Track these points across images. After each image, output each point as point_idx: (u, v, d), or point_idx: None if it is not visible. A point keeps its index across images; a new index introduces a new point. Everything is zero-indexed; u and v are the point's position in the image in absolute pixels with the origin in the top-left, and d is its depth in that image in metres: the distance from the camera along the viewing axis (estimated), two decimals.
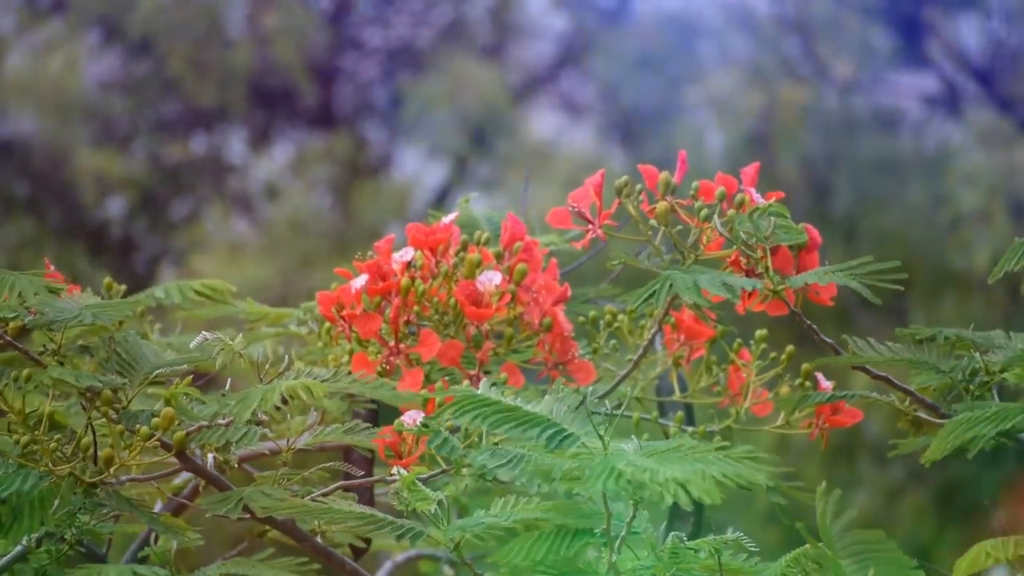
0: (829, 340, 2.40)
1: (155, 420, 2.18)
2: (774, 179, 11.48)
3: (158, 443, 2.19)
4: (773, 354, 2.59)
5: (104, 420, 2.21)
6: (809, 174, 11.84)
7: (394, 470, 2.22)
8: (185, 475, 2.49)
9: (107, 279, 2.56)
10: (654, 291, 2.24)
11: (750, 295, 2.33)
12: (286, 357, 2.36)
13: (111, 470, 2.18)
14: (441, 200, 12.26)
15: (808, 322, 2.36)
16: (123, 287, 2.58)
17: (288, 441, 2.31)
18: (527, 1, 13.45)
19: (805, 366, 2.53)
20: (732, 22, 12.76)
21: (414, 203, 12.59)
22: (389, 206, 12.25)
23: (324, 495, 2.25)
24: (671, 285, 2.24)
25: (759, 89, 12.29)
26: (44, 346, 2.29)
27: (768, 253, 2.32)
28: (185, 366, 2.31)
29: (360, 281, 2.39)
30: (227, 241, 12.40)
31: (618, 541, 2.14)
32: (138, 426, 2.19)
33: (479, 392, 2.09)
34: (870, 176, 11.88)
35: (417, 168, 13.19)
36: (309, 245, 11.90)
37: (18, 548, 2.27)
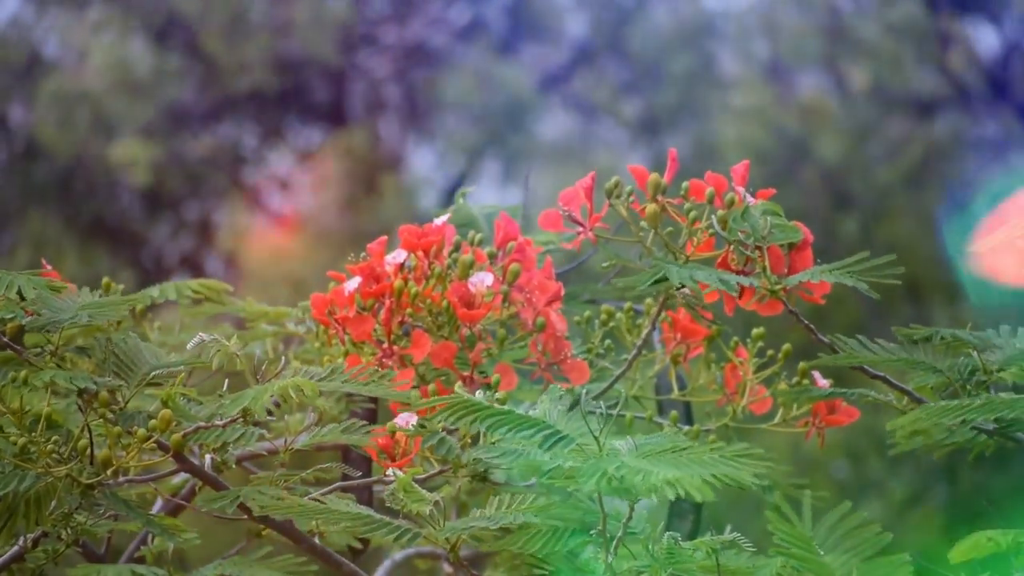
0: (826, 339, 2.40)
1: (153, 422, 2.18)
2: (796, 184, 11.47)
3: (155, 444, 2.20)
4: (771, 352, 2.59)
5: (101, 421, 2.22)
6: (829, 180, 11.82)
7: (390, 471, 2.22)
8: (183, 475, 2.49)
9: (105, 279, 2.57)
10: (647, 279, 2.24)
11: (742, 295, 2.33)
12: (283, 357, 2.36)
13: (108, 471, 2.18)
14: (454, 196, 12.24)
15: (806, 321, 2.36)
16: (121, 286, 2.59)
17: (286, 441, 2.32)
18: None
19: (802, 365, 2.53)
20: (754, 26, 12.74)
21: (428, 200, 12.59)
22: (402, 203, 12.25)
23: (322, 495, 2.25)
24: (664, 276, 2.24)
25: (779, 94, 12.28)
26: (41, 347, 2.30)
27: (764, 252, 2.32)
28: (183, 367, 2.31)
29: (353, 283, 2.39)
30: (241, 236, 12.41)
31: (614, 541, 2.14)
32: (135, 428, 2.19)
33: (472, 397, 2.09)
34: (889, 181, 11.85)
35: (431, 165, 13.20)
36: (319, 241, 11.91)
37: (14, 548, 2.27)
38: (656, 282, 2.22)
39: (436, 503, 2.16)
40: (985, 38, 12.76)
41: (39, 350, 2.29)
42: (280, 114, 12.88)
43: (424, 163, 13.26)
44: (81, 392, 2.18)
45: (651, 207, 2.28)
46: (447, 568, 3.00)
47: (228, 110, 12.75)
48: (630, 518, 2.14)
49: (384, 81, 13.09)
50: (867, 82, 12.26)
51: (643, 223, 2.30)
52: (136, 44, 12.35)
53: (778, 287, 2.31)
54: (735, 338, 2.59)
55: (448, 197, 11.95)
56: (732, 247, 2.31)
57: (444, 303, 2.39)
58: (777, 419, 2.59)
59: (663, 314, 2.54)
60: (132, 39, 12.32)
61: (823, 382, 2.55)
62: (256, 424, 2.24)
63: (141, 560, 2.43)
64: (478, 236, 2.49)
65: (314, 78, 12.72)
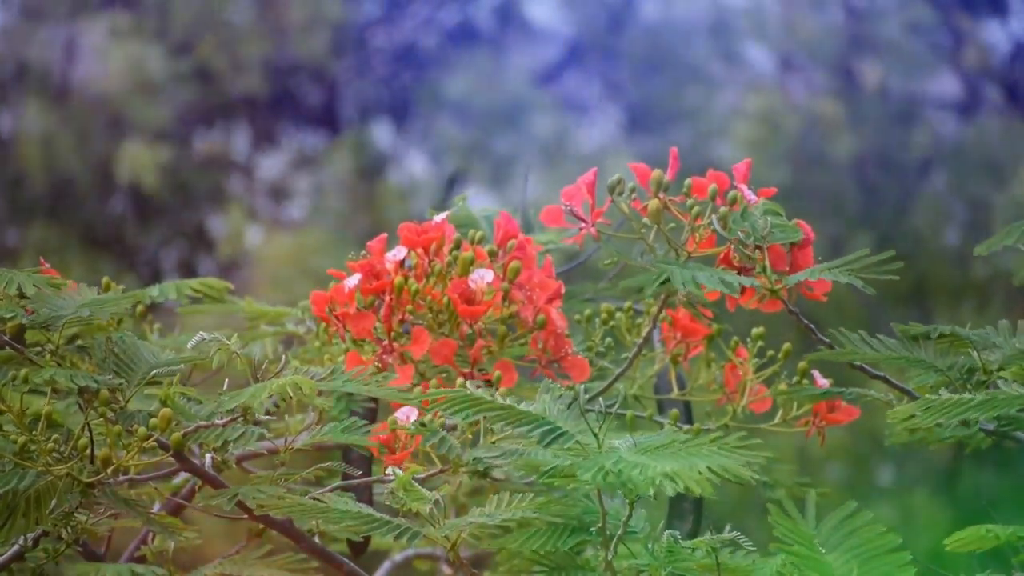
0: (825, 339, 2.39)
1: (153, 421, 2.18)
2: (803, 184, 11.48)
3: (155, 443, 2.20)
4: (771, 351, 2.59)
5: (102, 420, 2.22)
6: (838, 179, 11.82)
7: (389, 469, 2.22)
8: (183, 475, 2.49)
9: (105, 279, 2.56)
10: (653, 282, 2.24)
11: (743, 293, 2.33)
12: (283, 356, 2.36)
13: (108, 470, 2.18)
14: (449, 196, 12.23)
15: (805, 321, 2.36)
16: (121, 286, 2.58)
17: (286, 441, 2.32)
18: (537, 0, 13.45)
19: (802, 363, 2.53)
20: (764, 27, 12.74)
21: (422, 201, 12.59)
22: (395, 205, 12.26)
23: (322, 494, 2.25)
24: (667, 278, 2.24)
25: (791, 94, 12.29)
26: (41, 346, 2.30)
27: (765, 251, 2.32)
28: (183, 366, 2.31)
29: (353, 280, 2.40)
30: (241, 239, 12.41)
31: (614, 539, 2.14)
32: (136, 426, 2.19)
33: (472, 392, 2.09)
34: (895, 182, 11.85)
35: (424, 167, 13.19)
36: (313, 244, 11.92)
37: (14, 547, 2.27)
38: (660, 284, 2.23)
39: (436, 502, 2.16)
40: (997, 37, 12.76)
41: (39, 349, 2.29)
42: (273, 119, 12.88)
43: (416, 166, 13.26)
44: (81, 391, 2.18)
45: (653, 203, 2.28)
46: (446, 569, 3.01)
47: (221, 116, 12.74)
48: (630, 516, 2.15)
49: (375, 84, 13.09)
50: (878, 82, 12.26)
51: (645, 220, 2.30)
52: (137, 51, 12.34)
53: (779, 287, 2.31)
54: (735, 337, 2.59)
55: (440, 199, 11.94)
56: (734, 245, 2.31)
57: (445, 300, 2.39)
58: (777, 419, 2.59)
59: (663, 313, 2.54)
60: (132, 46, 12.31)
61: (823, 381, 2.55)
62: (256, 424, 2.24)
63: (142, 559, 2.42)
64: (478, 234, 2.49)
65: (306, 82, 12.73)
